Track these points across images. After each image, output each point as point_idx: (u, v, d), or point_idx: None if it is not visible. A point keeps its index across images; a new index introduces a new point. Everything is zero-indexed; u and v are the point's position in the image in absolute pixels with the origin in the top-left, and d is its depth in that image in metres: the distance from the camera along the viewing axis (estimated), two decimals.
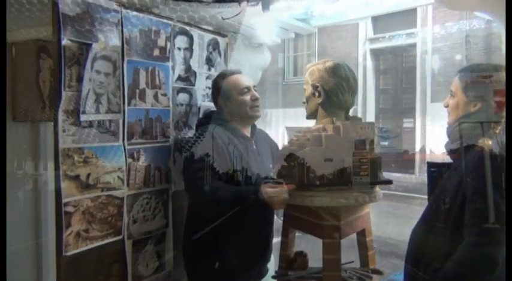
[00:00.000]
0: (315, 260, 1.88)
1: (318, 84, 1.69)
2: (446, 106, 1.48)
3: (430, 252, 1.39)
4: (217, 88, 1.94)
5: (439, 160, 1.64)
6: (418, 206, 4.69)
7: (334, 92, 1.68)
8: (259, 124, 2.04)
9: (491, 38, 7.85)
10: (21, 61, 2.32)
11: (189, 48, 2.06)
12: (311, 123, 1.80)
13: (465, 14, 8.11)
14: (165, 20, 1.91)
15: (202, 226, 1.71)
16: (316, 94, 1.70)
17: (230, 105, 1.89)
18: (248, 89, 1.88)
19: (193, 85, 2.09)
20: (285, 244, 1.87)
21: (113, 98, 1.65)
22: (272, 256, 2.05)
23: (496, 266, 1.22)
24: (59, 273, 1.50)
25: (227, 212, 1.61)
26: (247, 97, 1.87)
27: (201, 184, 1.65)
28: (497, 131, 1.35)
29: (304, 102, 1.79)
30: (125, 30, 1.69)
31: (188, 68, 2.06)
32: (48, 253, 2.39)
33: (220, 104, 1.92)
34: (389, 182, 1.65)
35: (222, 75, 1.96)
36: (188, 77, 2.06)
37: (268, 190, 1.57)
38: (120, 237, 1.70)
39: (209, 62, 2.19)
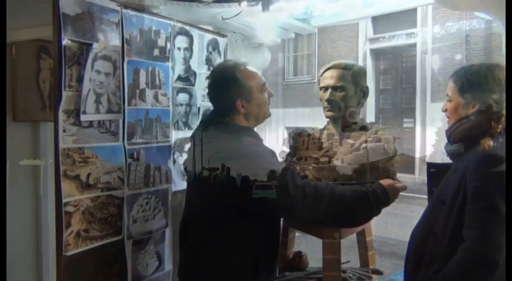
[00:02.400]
0: (315, 260, 1.88)
1: (367, 85, 1.76)
2: (445, 111, 1.47)
3: (430, 253, 1.38)
4: (233, 83, 1.49)
5: (438, 161, 1.64)
6: (418, 206, 4.69)
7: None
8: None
9: (491, 38, 7.85)
10: (21, 61, 2.32)
11: (189, 48, 2.06)
12: (311, 123, 1.79)
13: (465, 14, 8.12)
14: (165, 20, 1.91)
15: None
16: (362, 95, 1.75)
17: (248, 105, 1.51)
18: (265, 84, 1.58)
19: (193, 85, 2.09)
20: (284, 244, 1.88)
21: (113, 98, 1.65)
22: None
23: (496, 269, 1.21)
24: (59, 273, 1.50)
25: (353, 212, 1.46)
26: (266, 95, 1.58)
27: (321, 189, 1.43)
28: (498, 130, 1.34)
29: (333, 101, 1.69)
30: (125, 30, 1.69)
31: (188, 68, 2.06)
32: (48, 253, 2.39)
33: (237, 104, 1.49)
34: None
35: (236, 67, 1.52)
36: (188, 77, 2.06)
37: (398, 186, 1.51)
38: (120, 237, 1.70)
39: (209, 62, 2.19)
